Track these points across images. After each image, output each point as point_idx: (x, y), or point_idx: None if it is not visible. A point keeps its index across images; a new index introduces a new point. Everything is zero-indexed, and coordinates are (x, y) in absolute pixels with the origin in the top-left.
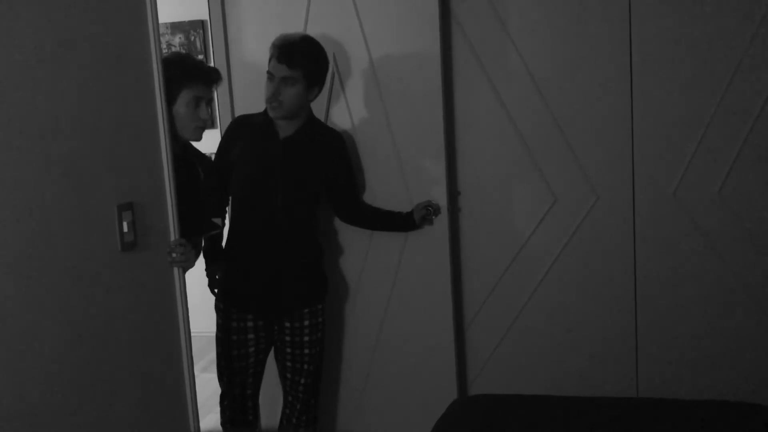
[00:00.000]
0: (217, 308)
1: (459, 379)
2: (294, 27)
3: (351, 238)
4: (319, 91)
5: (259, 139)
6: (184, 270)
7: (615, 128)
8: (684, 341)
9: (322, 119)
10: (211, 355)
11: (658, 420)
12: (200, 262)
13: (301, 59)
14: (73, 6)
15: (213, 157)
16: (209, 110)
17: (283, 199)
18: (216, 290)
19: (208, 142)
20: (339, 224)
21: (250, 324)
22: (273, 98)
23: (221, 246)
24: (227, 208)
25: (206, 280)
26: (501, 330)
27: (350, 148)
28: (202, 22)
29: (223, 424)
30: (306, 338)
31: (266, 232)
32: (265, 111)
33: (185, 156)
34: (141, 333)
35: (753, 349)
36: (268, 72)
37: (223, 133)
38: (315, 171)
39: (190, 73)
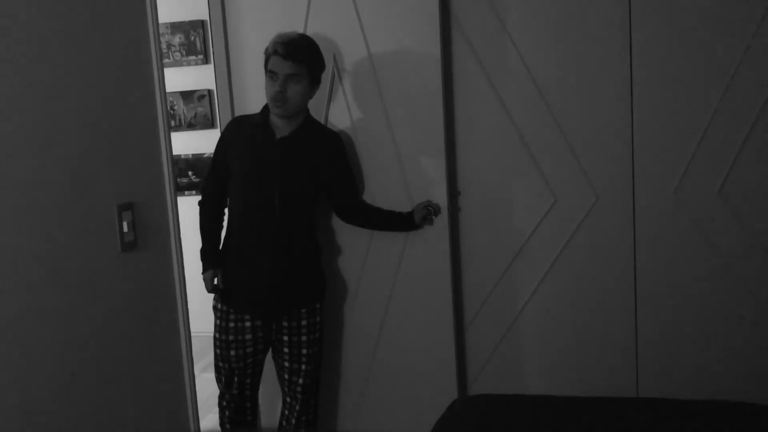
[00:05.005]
0: (215, 309)
1: (459, 379)
2: (294, 27)
3: (351, 237)
4: (316, 90)
5: (256, 140)
6: None
7: (615, 128)
8: (684, 341)
9: (322, 119)
10: (211, 355)
11: (658, 420)
12: (199, 264)
13: (307, 55)
14: (73, 6)
15: (210, 156)
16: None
17: (280, 199)
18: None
19: (208, 142)
20: (339, 224)
21: (248, 324)
22: (279, 95)
23: (219, 249)
24: (224, 210)
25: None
26: (501, 330)
27: (349, 147)
28: (202, 22)
29: (221, 424)
30: (304, 338)
31: (263, 232)
32: (262, 111)
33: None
34: (141, 333)
35: (753, 349)
36: (270, 71)
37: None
38: (312, 171)
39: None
